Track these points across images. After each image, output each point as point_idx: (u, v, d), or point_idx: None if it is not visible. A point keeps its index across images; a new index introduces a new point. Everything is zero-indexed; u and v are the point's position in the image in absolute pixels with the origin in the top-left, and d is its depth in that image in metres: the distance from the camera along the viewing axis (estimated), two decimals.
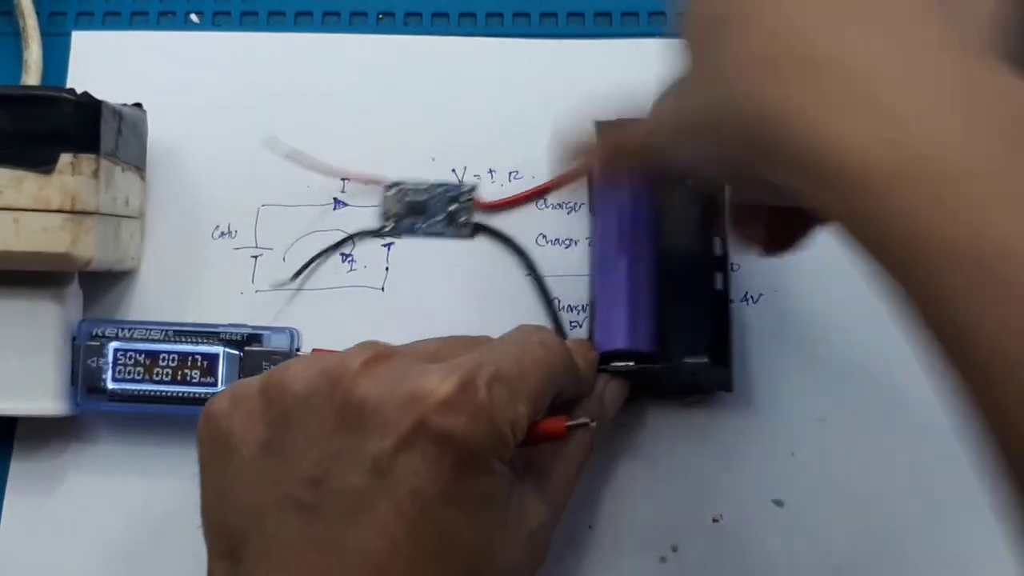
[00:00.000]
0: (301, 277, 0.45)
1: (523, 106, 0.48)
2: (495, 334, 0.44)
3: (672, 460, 0.43)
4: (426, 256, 0.46)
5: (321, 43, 0.49)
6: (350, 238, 0.46)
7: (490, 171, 0.47)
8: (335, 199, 0.46)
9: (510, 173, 0.46)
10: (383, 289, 0.45)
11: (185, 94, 0.48)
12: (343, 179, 0.46)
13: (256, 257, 0.46)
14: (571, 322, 0.44)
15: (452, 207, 0.46)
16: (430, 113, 0.48)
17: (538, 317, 0.44)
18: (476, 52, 0.49)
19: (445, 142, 0.47)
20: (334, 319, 0.45)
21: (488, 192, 0.46)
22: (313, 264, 0.45)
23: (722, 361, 0.41)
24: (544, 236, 0.46)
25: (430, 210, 0.46)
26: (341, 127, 0.47)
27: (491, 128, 0.47)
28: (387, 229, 0.46)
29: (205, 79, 0.48)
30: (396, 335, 0.44)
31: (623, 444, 0.43)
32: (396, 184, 0.46)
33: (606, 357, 0.41)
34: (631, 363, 0.41)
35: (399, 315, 0.45)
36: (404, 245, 0.46)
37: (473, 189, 0.46)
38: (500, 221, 0.46)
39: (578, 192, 0.46)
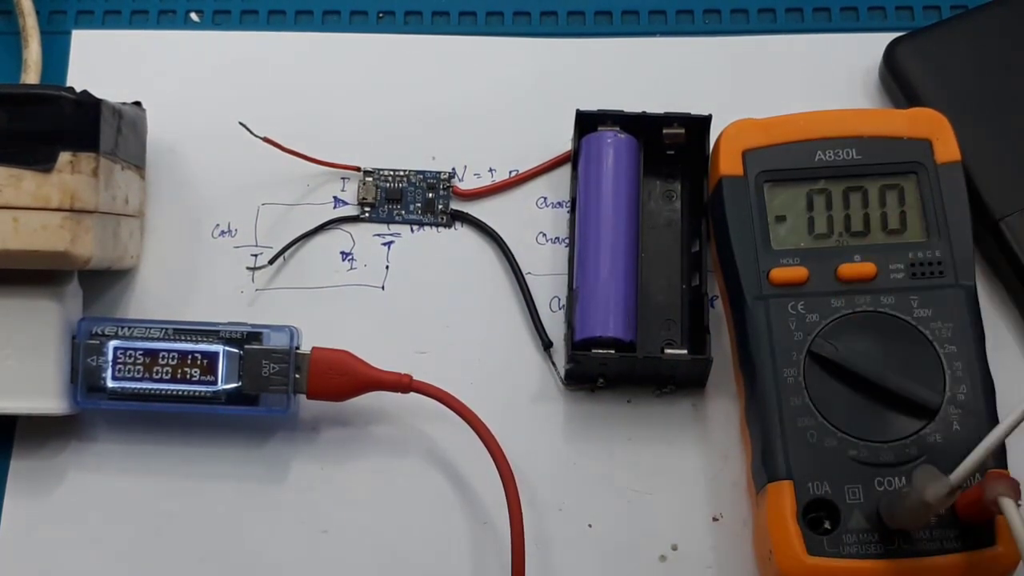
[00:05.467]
0: (301, 275, 0.45)
1: (524, 105, 0.48)
2: (498, 332, 0.44)
3: (670, 459, 0.42)
4: (427, 254, 0.46)
5: (321, 42, 0.49)
6: (327, 224, 0.46)
7: (490, 169, 0.47)
8: (335, 197, 0.46)
9: (510, 171, 0.46)
10: (383, 288, 0.45)
11: (185, 93, 0.48)
12: (318, 163, 0.46)
13: (256, 256, 0.46)
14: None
15: (430, 194, 0.46)
16: (430, 112, 0.48)
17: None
18: (477, 51, 0.49)
19: (445, 141, 0.47)
20: (334, 317, 0.45)
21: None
22: (295, 254, 0.45)
23: (700, 355, 0.41)
24: (544, 235, 0.46)
25: (407, 197, 0.46)
26: (341, 126, 0.47)
27: (491, 127, 0.47)
28: (364, 216, 0.46)
29: (205, 78, 0.48)
30: (396, 334, 0.44)
31: (621, 443, 0.43)
32: (373, 171, 0.46)
33: (585, 345, 0.41)
34: (611, 351, 0.41)
35: (399, 313, 0.45)
36: (405, 243, 0.46)
37: (451, 177, 0.46)
38: (490, 212, 0.46)
39: (565, 187, 0.46)
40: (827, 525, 0.37)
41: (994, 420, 0.38)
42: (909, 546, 0.37)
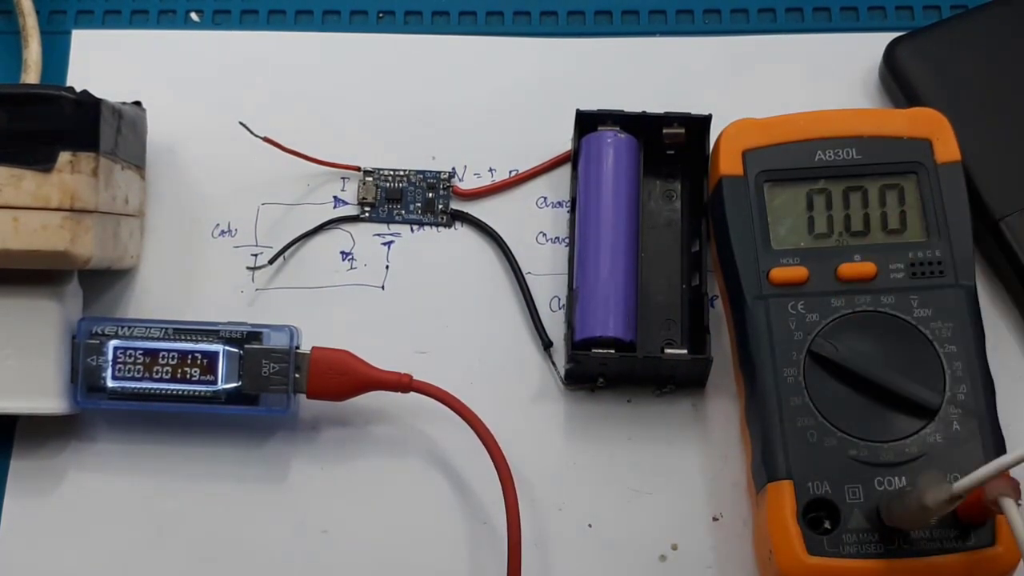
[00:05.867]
0: (301, 275, 0.45)
1: (524, 105, 0.48)
2: (498, 332, 0.44)
3: (670, 459, 0.42)
4: (427, 254, 0.46)
5: (321, 42, 0.49)
6: (327, 224, 0.46)
7: (490, 169, 0.47)
8: (335, 197, 0.46)
9: (510, 171, 0.46)
10: (383, 287, 0.45)
11: (185, 93, 0.48)
12: (318, 163, 0.46)
13: (256, 255, 0.46)
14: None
15: (430, 194, 0.46)
16: (430, 112, 0.48)
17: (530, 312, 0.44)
18: (477, 51, 0.49)
19: (445, 141, 0.47)
20: (334, 317, 0.45)
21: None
22: (295, 254, 0.46)
23: (700, 355, 0.41)
24: (544, 234, 0.46)
25: (407, 197, 0.46)
26: (341, 126, 0.47)
27: (491, 127, 0.47)
28: (364, 216, 0.46)
29: (205, 78, 0.48)
30: (396, 334, 0.44)
31: (621, 443, 0.43)
32: (373, 171, 0.46)
33: (585, 344, 0.41)
34: (611, 351, 0.41)
35: (399, 313, 0.45)
36: (405, 243, 0.46)
37: (451, 176, 0.46)
38: (490, 212, 0.46)
39: (565, 187, 0.46)
40: (827, 525, 0.37)
41: (994, 420, 0.38)
42: (909, 546, 0.37)
